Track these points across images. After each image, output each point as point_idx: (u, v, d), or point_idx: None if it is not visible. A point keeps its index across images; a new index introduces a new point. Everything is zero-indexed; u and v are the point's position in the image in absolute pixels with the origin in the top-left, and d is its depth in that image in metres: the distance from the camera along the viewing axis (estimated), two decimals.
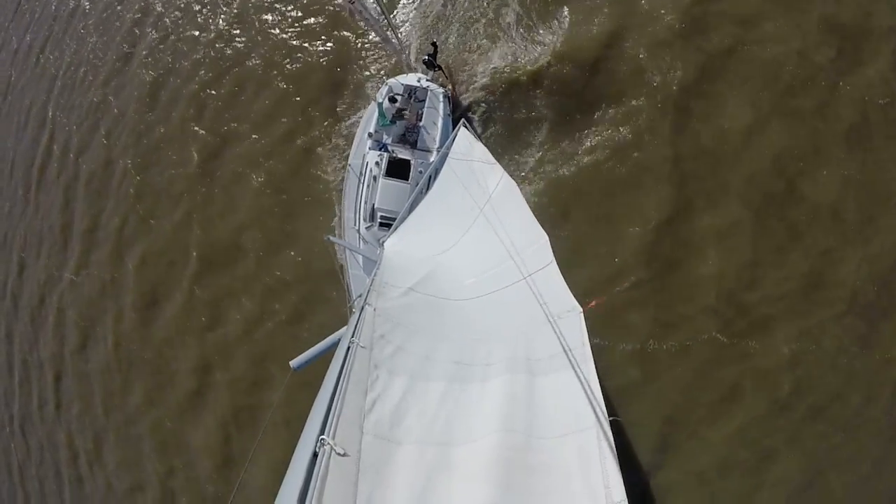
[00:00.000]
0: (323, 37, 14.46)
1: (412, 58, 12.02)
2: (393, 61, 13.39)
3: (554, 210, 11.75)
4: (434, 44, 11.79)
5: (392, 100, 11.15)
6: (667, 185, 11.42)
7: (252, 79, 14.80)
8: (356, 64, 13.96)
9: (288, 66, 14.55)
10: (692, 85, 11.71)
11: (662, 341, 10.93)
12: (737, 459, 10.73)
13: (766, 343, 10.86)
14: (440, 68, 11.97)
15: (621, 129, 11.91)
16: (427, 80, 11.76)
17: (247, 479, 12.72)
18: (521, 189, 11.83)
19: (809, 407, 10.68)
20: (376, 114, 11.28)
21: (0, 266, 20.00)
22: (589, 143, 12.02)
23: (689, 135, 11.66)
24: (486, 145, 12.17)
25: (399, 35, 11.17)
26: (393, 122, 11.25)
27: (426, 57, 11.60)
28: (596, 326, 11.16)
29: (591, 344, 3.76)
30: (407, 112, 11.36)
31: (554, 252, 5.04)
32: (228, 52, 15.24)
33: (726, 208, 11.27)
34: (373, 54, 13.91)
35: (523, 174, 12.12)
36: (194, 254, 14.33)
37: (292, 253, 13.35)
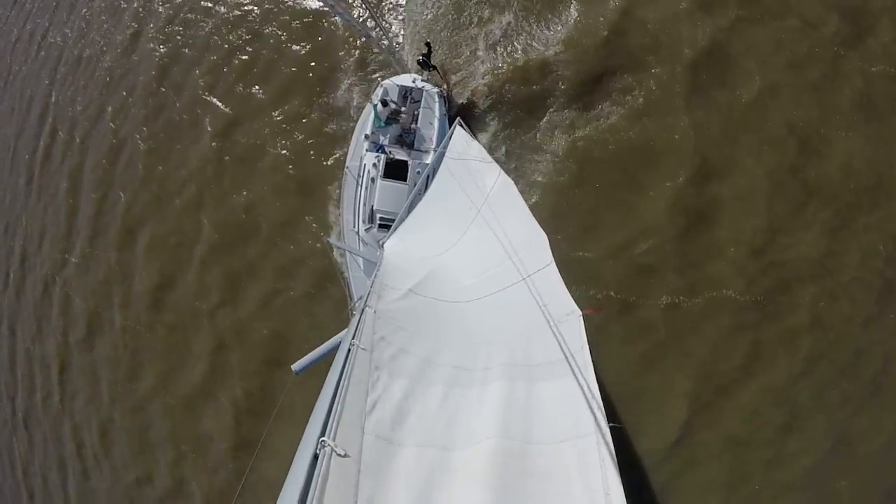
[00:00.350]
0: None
1: (406, 58, 12.05)
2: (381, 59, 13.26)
3: (574, 179, 11.65)
4: (428, 44, 11.80)
5: (384, 103, 11.14)
6: (687, 150, 11.37)
7: (266, 52, 14.53)
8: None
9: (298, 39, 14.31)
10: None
11: (687, 300, 10.88)
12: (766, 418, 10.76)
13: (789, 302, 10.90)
14: (435, 68, 11.96)
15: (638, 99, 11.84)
16: (422, 80, 11.77)
17: (259, 468, 12.41)
18: (537, 167, 11.89)
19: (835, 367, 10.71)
20: (372, 115, 11.31)
21: (1, 255, 19.65)
22: (607, 115, 11.94)
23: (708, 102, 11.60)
24: (499, 129, 12.27)
25: (388, 35, 11.24)
26: (389, 123, 11.27)
27: (420, 57, 11.55)
28: (623, 285, 11.08)
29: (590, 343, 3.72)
30: (403, 113, 11.37)
31: (554, 251, 5.01)
32: (243, 23, 14.93)
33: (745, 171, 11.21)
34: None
35: (541, 149, 11.97)
36: (206, 231, 13.99)
37: (308, 220, 13.12)
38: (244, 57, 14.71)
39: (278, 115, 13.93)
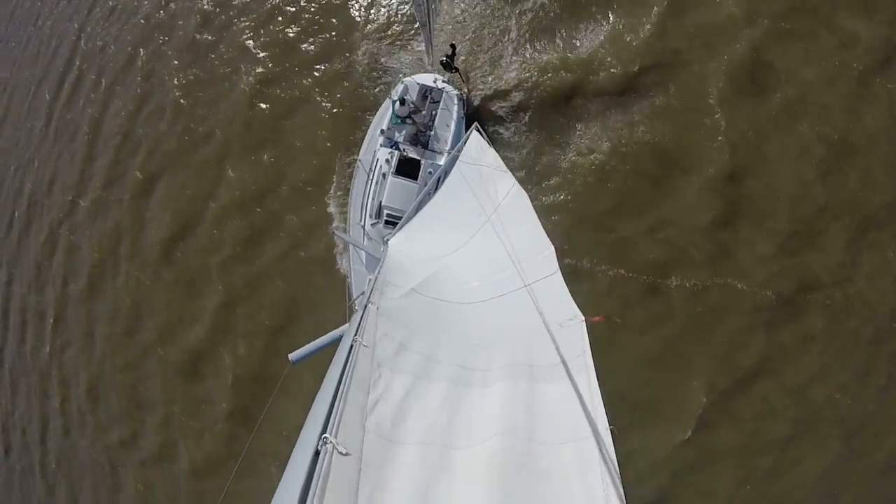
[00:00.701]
0: None
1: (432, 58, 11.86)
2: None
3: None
4: (453, 45, 11.75)
5: (402, 101, 11.03)
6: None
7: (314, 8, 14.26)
8: None
9: None
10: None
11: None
12: None
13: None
14: (457, 70, 11.90)
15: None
16: (443, 81, 11.70)
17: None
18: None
19: None
20: (390, 111, 11.26)
21: (9, 196, 19.15)
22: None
23: None
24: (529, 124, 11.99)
25: (432, 33, 11.04)
26: (406, 121, 11.19)
27: (444, 58, 11.47)
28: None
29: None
30: (422, 112, 11.29)
31: (560, 262, 5.05)
32: None
33: None
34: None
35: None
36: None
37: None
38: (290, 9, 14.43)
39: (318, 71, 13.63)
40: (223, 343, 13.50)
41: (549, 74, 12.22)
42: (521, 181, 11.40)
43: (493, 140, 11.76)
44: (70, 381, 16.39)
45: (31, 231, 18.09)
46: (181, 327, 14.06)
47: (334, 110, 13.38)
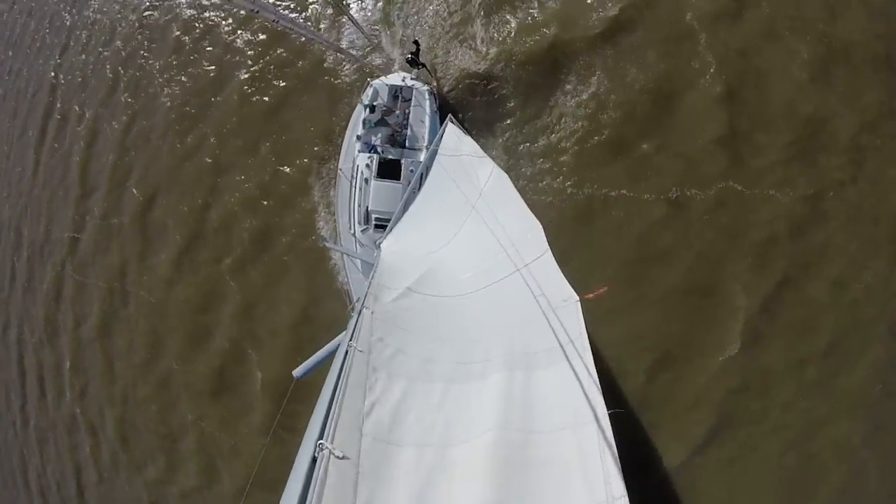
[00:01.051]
0: None
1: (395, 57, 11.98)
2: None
3: None
4: (416, 42, 11.67)
5: (372, 109, 11.09)
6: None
7: None
8: None
9: None
10: None
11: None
12: None
13: None
14: (423, 65, 11.86)
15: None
16: (412, 78, 11.67)
17: None
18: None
19: None
20: (362, 117, 11.23)
21: (6, 252, 18.67)
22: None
23: None
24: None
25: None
26: (380, 123, 11.19)
27: (409, 55, 11.42)
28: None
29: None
30: (395, 112, 11.29)
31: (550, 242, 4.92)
32: None
33: None
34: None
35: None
36: None
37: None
38: None
39: None
40: (245, 350, 12.83)
41: (530, 36, 11.85)
42: (518, 142, 11.39)
43: (487, 113, 11.72)
44: (96, 424, 15.74)
45: (35, 280, 17.64)
46: (200, 343, 13.38)
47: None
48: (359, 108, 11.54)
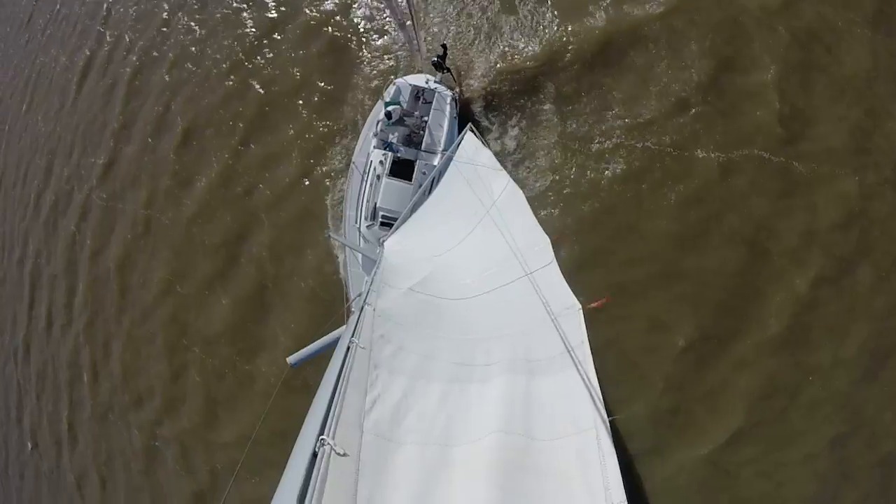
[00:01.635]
0: None
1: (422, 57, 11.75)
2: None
3: None
4: (444, 45, 11.64)
5: (388, 116, 10.91)
6: None
7: None
8: None
9: None
10: None
11: None
12: None
13: None
14: (449, 70, 11.82)
15: None
16: (435, 81, 11.64)
17: None
18: None
19: None
20: (382, 113, 11.16)
21: None
22: None
23: None
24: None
25: (418, 34, 10.87)
26: (399, 122, 11.13)
27: (435, 58, 11.42)
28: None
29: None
30: (414, 113, 11.27)
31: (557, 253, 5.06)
32: None
33: None
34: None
35: None
36: None
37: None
38: None
39: None
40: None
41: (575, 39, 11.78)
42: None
43: (512, 119, 11.77)
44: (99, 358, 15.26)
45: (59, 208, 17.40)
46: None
47: None
48: (379, 104, 11.52)
